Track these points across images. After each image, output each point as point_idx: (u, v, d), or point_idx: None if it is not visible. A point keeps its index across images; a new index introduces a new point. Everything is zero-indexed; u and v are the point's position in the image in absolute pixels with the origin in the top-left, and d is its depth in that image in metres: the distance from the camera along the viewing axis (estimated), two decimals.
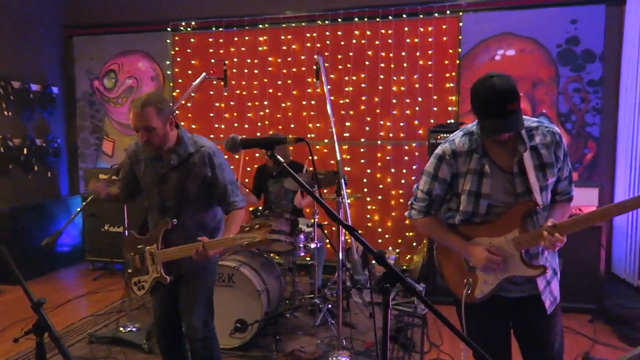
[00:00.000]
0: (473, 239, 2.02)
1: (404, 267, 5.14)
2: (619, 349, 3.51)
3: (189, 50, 5.73)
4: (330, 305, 4.01)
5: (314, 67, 3.68)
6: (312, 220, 3.91)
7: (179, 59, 5.78)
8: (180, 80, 5.79)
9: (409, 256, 5.25)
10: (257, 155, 5.43)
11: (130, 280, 2.57)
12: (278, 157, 1.56)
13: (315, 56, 3.70)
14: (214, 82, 5.65)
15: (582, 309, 4.06)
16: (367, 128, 5.29)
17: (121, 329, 3.73)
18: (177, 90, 5.81)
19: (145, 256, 2.50)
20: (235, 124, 5.66)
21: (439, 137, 4.45)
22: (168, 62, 5.81)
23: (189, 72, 5.74)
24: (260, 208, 4.15)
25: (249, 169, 5.34)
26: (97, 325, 4.05)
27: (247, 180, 4.90)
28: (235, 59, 5.59)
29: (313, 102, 5.41)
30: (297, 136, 1.76)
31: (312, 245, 3.84)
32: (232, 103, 5.64)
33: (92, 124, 6.19)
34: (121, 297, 4.68)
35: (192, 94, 5.70)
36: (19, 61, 5.61)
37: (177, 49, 5.77)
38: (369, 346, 3.55)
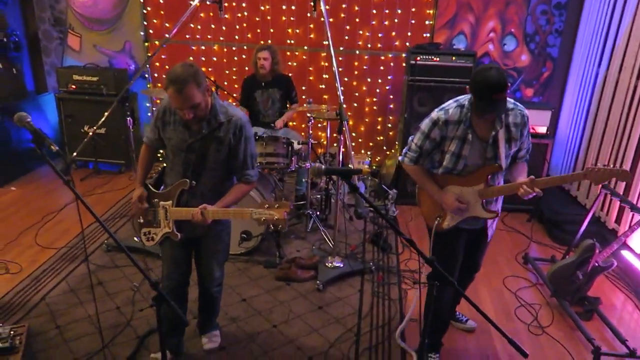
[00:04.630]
0: (448, 186, 2.64)
1: (375, 167, 5.75)
2: (550, 247, 4.44)
3: None
4: (318, 213, 4.61)
5: (312, 2, 3.70)
6: (306, 140, 4.30)
7: None
8: None
9: (378, 158, 5.83)
10: (246, 68, 5.51)
11: (140, 230, 2.65)
12: (355, 185, 1.88)
13: None
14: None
15: (521, 209, 4.92)
16: (347, 37, 5.43)
17: (135, 239, 4.15)
18: None
19: (158, 210, 2.55)
20: (213, 25, 5.58)
21: (418, 58, 4.76)
22: None
23: None
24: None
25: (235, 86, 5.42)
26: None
27: (235, 95, 5.08)
28: None
29: (293, 8, 5.39)
30: (371, 169, 2.07)
31: (307, 165, 4.29)
32: (207, 2, 5.45)
33: (53, 16, 5.82)
34: (120, 199, 5.05)
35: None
36: None
37: None
38: (354, 249, 4.25)
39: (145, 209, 2.59)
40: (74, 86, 5.56)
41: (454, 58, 4.72)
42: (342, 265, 3.87)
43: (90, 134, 4.38)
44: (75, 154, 4.54)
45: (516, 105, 2.51)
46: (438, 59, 4.73)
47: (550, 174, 5.32)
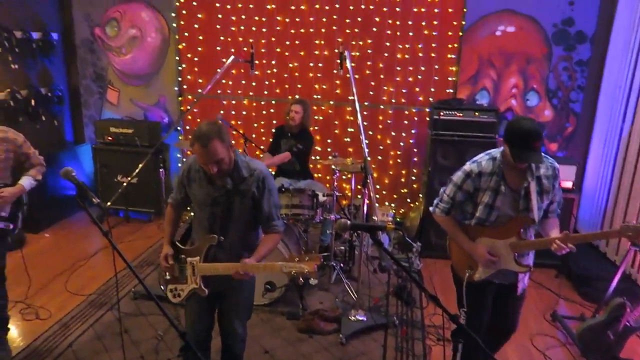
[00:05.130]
0: (480, 238, 2.66)
1: (398, 220, 5.77)
2: (579, 304, 4.32)
3: (194, 3, 5.70)
4: (342, 264, 4.62)
5: (338, 60, 3.88)
6: (331, 192, 4.38)
7: (184, 12, 5.75)
8: (186, 34, 5.81)
9: (402, 210, 5.86)
10: (274, 122, 5.73)
11: (166, 286, 2.70)
12: (380, 240, 1.94)
13: (340, 48, 3.89)
14: (221, 38, 5.75)
15: (549, 265, 4.82)
16: (371, 92, 5.61)
17: (161, 287, 4.20)
18: (183, 44, 5.85)
19: (185, 266, 2.60)
20: (243, 81, 5.84)
21: (441, 113, 4.87)
22: (173, 15, 5.78)
23: (195, 25, 5.76)
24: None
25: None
26: (134, 279, 4.51)
27: (262, 147, 5.26)
28: (242, 16, 5.64)
29: (320, 65, 5.63)
30: (395, 225, 2.14)
31: (332, 217, 4.35)
32: (239, 60, 5.76)
33: (95, 72, 6.20)
34: (148, 247, 5.17)
35: (217, 75, 5.80)
36: (19, 9, 5.47)
37: (182, 0, 5.72)
38: (377, 302, 4.22)
39: (172, 266, 2.63)
40: (110, 137, 5.84)
41: (476, 113, 4.82)
42: (365, 319, 3.85)
43: (125, 184, 4.56)
44: (109, 203, 4.72)
45: (547, 157, 2.60)
46: (461, 114, 4.83)
47: (577, 229, 5.25)
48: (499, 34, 5.23)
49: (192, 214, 2.74)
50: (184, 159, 6.16)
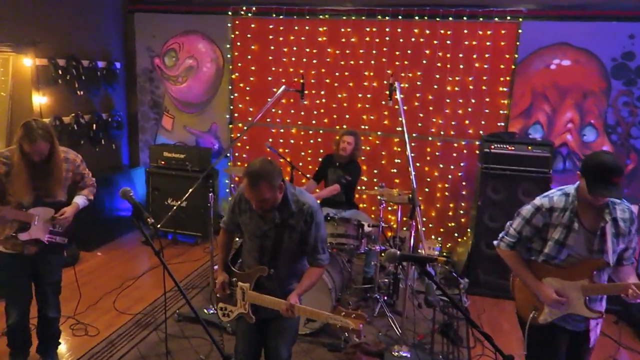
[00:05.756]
0: (547, 278, 2.51)
1: (445, 254, 5.61)
2: None
3: (248, 35, 5.92)
4: (385, 297, 4.52)
5: (387, 92, 3.90)
6: (377, 222, 4.33)
7: (238, 43, 5.97)
8: (239, 64, 6.02)
9: (449, 244, 5.71)
10: (321, 151, 5.79)
11: (217, 304, 2.78)
12: (430, 271, 1.90)
13: (390, 80, 3.92)
14: (272, 69, 5.91)
15: (608, 310, 4.51)
16: (420, 124, 5.58)
17: (205, 310, 4.25)
18: (236, 74, 6.06)
19: (236, 290, 2.67)
20: (292, 111, 5.95)
21: (492, 146, 4.77)
22: (228, 46, 6.02)
23: (249, 56, 5.96)
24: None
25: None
26: (180, 301, 4.56)
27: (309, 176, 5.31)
28: (294, 48, 5.79)
29: (369, 96, 5.67)
30: (444, 258, 2.09)
31: (377, 248, 4.29)
32: (289, 90, 5.88)
33: (152, 100, 6.50)
34: (193, 270, 5.26)
35: (267, 101, 5.97)
36: (87, 39, 5.85)
37: (237, 32, 5.96)
38: (422, 338, 4.09)
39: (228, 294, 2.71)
40: (163, 162, 6.05)
41: (530, 147, 4.69)
42: (409, 355, 3.73)
43: (175, 207, 4.69)
44: (159, 225, 4.85)
45: (623, 200, 2.47)
46: (513, 147, 4.71)
47: (638, 267, 4.93)
48: (554, 68, 5.11)
49: (237, 239, 2.77)
50: (233, 185, 6.29)
